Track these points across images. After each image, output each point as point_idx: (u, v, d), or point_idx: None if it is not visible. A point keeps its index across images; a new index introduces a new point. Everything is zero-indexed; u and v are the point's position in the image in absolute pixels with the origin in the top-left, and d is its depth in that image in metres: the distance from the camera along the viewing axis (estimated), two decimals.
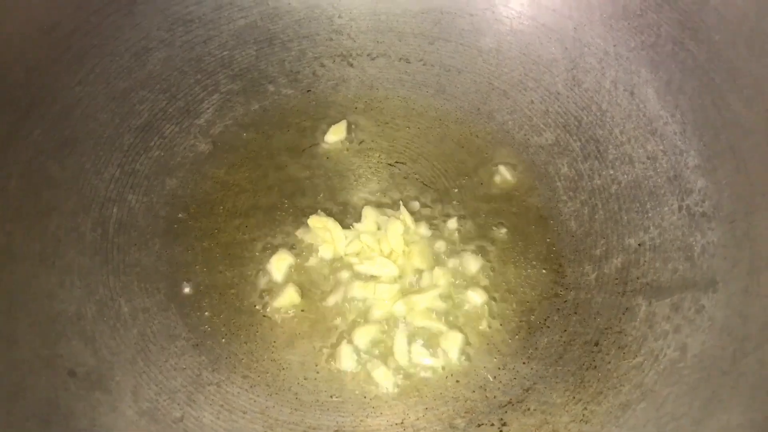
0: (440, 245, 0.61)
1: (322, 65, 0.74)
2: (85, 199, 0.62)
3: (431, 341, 0.57)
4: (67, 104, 0.65)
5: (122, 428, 0.51)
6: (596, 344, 0.56)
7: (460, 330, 0.57)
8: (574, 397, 0.53)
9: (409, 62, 0.74)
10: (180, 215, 0.64)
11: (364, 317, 0.58)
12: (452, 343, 0.56)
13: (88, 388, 0.52)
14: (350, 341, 0.56)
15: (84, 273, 0.58)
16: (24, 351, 0.52)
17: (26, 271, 0.56)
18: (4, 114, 0.61)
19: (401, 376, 0.55)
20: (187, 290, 0.59)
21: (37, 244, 0.58)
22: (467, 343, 0.57)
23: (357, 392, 0.55)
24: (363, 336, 0.57)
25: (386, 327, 0.57)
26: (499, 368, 0.56)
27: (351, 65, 0.74)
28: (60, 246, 0.59)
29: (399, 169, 0.67)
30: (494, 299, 0.59)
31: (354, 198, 0.65)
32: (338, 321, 0.58)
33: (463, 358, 0.56)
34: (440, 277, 0.59)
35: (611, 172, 0.65)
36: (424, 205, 0.65)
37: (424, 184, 0.66)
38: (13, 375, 0.50)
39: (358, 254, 0.61)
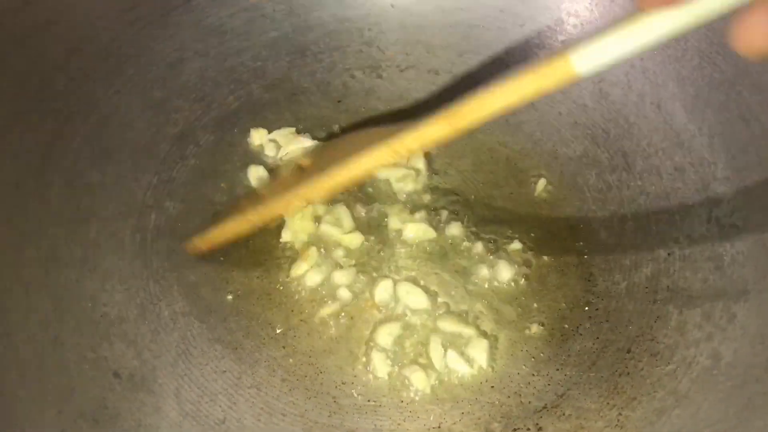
0: (474, 252, 0.63)
1: (353, 77, 0.76)
2: (124, 205, 0.64)
3: (461, 346, 0.58)
4: (106, 113, 0.66)
5: (166, 429, 0.52)
6: (629, 351, 0.57)
7: (486, 336, 0.58)
8: (608, 403, 0.54)
9: (438, 74, 0.76)
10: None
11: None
12: (479, 350, 0.57)
13: (132, 390, 0.54)
14: (377, 346, 0.58)
15: (125, 277, 0.60)
16: (71, 353, 0.53)
17: (69, 275, 0.58)
18: (46, 122, 0.62)
19: (437, 381, 0.56)
20: (224, 295, 0.60)
21: (79, 249, 0.59)
22: (495, 347, 0.58)
23: (393, 396, 0.56)
24: (386, 335, 0.58)
25: (418, 329, 0.59)
26: (533, 374, 0.57)
27: (380, 77, 0.76)
28: (101, 251, 0.60)
29: (429, 179, 0.69)
30: (527, 307, 0.60)
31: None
32: (369, 328, 0.59)
33: (497, 363, 0.57)
34: None
35: (639, 183, 0.66)
36: (453, 213, 0.66)
37: (454, 193, 0.67)
38: (63, 376, 0.52)
39: None
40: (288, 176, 0.66)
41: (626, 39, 0.38)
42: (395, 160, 0.55)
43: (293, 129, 0.70)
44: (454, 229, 0.64)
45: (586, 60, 0.40)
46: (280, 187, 0.64)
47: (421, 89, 0.75)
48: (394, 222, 0.64)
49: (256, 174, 0.67)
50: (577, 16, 0.73)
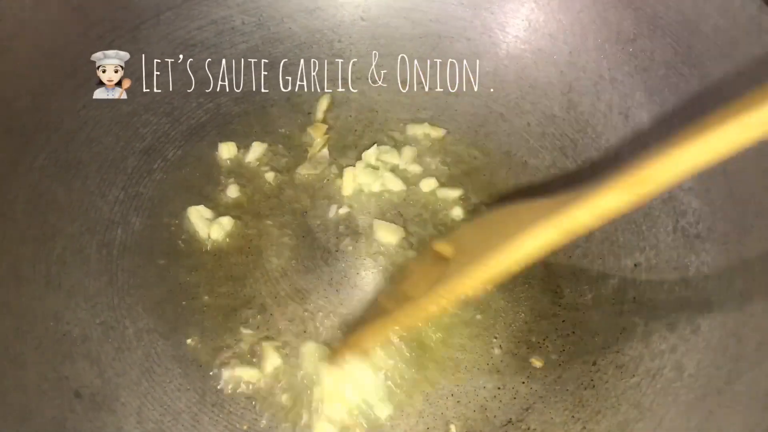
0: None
1: (323, 88, 0.75)
2: (90, 221, 0.63)
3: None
4: (72, 128, 0.66)
5: None
6: (594, 363, 0.57)
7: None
8: (573, 416, 0.54)
9: (408, 85, 0.76)
10: (183, 237, 0.64)
11: None
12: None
13: (93, 410, 0.53)
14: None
15: (89, 295, 0.59)
16: (31, 373, 0.53)
17: (33, 293, 0.57)
18: (11, 139, 0.61)
19: (403, 395, 0.56)
20: (190, 312, 0.60)
21: (43, 266, 0.59)
22: (460, 361, 0.58)
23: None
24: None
25: None
26: (498, 388, 0.56)
27: (351, 88, 0.76)
28: (65, 268, 0.60)
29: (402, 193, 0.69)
30: (493, 319, 0.60)
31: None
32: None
33: (463, 377, 0.57)
34: None
35: None
36: (422, 225, 0.66)
37: (423, 206, 0.67)
38: (21, 397, 0.51)
39: None
40: (428, 266, 0.55)
41: None
42: (563, 239, 0.45)
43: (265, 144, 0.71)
44: (423, 241, 0.64)
45: None
46: (423, 280, 0.53)
47: (391, 100, 0.75)
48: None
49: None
50: (545, 26, 0.73)
